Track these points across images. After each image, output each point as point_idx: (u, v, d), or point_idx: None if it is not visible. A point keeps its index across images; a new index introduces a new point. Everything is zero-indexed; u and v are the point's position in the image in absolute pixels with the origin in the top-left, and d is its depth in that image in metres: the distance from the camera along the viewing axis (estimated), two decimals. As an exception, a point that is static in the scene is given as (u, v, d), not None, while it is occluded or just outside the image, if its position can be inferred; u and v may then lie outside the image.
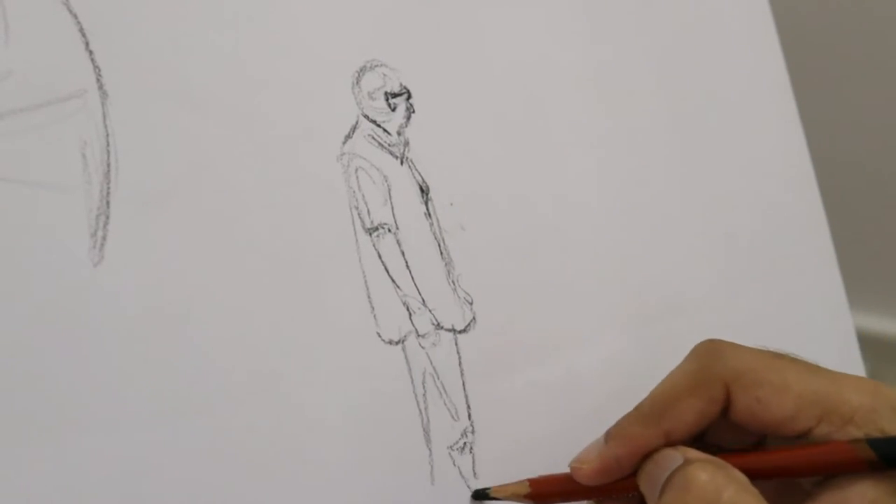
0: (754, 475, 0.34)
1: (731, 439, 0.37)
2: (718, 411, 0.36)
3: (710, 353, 0.37)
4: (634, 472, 0.36)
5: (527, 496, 0.37)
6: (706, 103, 0.49)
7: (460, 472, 0.39)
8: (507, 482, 0.38)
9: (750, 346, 0.37)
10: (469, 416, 0.39)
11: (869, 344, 0.54)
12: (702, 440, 0.38)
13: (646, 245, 0.46)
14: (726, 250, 0.48)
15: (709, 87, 0.49)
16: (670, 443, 0.36)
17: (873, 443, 0.34)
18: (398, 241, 0.39)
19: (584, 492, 0.37)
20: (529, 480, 0.37)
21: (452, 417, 0.39)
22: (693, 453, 0.35)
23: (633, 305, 0.44)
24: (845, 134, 0.88)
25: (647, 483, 0.35)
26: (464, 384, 0.39)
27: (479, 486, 0.39)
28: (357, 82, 0.39)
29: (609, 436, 0.36)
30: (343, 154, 0.38)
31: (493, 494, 0.38)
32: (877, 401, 0.35)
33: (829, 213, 0.52)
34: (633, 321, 0.44)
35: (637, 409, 0.37)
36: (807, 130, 0.52)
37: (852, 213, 0.80)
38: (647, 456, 0.36)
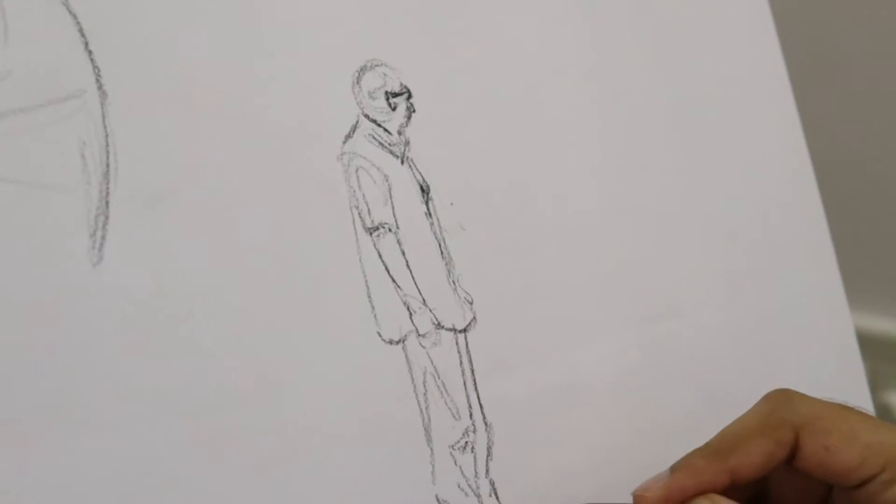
0: None
1: (792, 491, 0.38)
2: (785, 456, 0.37)
3: (781, 399, 0.38)
4: None
5: None
6: (706, 103, 0.49)
7: (462, 472, 0.39)
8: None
9: (811, 395, 0.38)
10: (470, 415, 0.39)
11: (869, 344, 0.54)
12: (765, 493, 0.38)
13: (646, 245, 0.46)
14: (726, 250, 0.48)
15: (708, 87, 0.49)
16: (735, 481, 0.36)
17: None
18: (399, 241, 0.39)
19: None
20: None
21: (454, 417, 0.39)
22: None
23: (633, 305, 0.44)
24: (845, 134, 0.87)
25: None
26: (465, 384, 0.39)
27: (480, 485, 0.39)
28: (357, 82, 0.39)
29: (674, 468, 0.37)
30: (343, 153, 0.38)
31: None
32: None
33: (829, 213, 0.51)
34: (633, 321, 0.44)
35: (706, 444, 0.37)
36: (806, 130, 0.51)
37: (852, 213, 0.80)
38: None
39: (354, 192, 0.38)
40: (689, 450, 0.37)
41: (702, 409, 0.44)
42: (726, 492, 0.36)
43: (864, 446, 0.36)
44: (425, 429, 0.38)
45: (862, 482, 0.36)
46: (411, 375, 0.38)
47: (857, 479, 0.36)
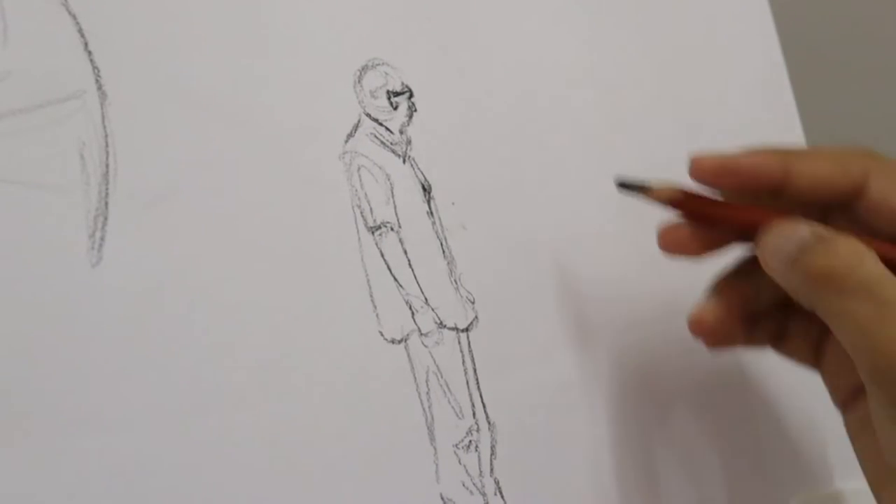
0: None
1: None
2: (846, 188, 0.36)
3: (856, 147, 0.37)
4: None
5: (677, 202, 0.38)
6: (706, 103, 0.49)
7: (466, 471, 0.38)
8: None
9: None
10: (473, 414, 0.39)
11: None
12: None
13: (646, 245, 0.46)
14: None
15: (708, 87, 0.49)
16: (788, 184, 0.36)
17: None
18: (401, 240, 0.39)
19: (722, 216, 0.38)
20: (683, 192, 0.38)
21: (457, 416, 0.39)
22: (818, 227, 0.35)
23: (634, 305, 0.44)
24: (845, 133, 0.87)
25: (772, 253, 0.35)
26: (467, 383, 0.39)
27: (485, 484, 0.39)
28: (359, 81, 0.39)
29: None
30: (345, 153, 0.38)
31: (654, 191, 0.38)
32: None
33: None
34: (634, 320, 0.44)
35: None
36: (806, 130, 0.52)
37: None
38: (765, 228, 0.35)
39: (356, 191, 0.38)
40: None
41: (703, 408, 0.44)
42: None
43: None
44: (428, 428, 0.38)
45: None
46: (414, 375, 0.38)
47: None
